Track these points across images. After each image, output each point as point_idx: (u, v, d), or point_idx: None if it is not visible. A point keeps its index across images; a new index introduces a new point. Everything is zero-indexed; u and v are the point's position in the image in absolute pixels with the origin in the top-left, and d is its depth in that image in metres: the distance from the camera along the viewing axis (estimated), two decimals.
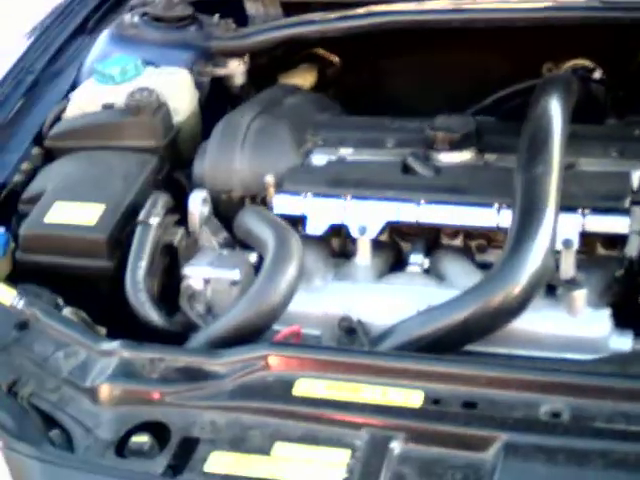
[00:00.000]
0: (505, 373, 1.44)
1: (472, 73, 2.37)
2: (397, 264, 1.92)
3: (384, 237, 1.92)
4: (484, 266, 1.87)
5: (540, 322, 1.68)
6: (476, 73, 2.37)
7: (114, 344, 1.59)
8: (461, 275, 1.83)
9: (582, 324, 1.68)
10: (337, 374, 1.48)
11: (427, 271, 1.87)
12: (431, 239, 1.92)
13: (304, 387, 1.46)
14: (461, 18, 2.16)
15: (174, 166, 2.10)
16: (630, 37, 2.19)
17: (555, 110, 1.86)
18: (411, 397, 1.42)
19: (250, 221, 1.87)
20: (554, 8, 2.09)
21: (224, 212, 2.00)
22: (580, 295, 1.67)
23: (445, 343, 1.62)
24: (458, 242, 1.92)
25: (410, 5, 2.19)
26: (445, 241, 1.92)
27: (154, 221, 1.85)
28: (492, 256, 1.90)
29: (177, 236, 1.88)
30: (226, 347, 1.61)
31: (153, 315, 1.77)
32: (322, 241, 1.92)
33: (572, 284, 1.69)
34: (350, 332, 1.73)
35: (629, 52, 2.26)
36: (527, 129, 1.85)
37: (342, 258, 1.93)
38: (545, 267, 1.63)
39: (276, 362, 1.50)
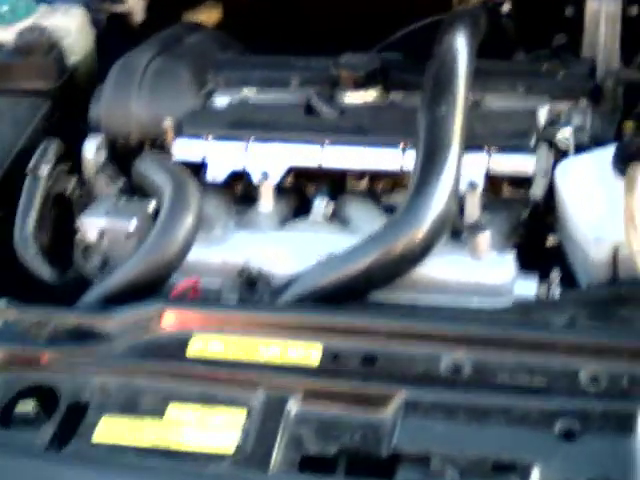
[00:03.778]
0: (406, 324, 1.40)
1: (381, 7, 2.29)
2: (301, 209, 1.86)
3: (288, 181, 1.85)
4: (390, 209, 1.81)
5: (444, 267, 1.63)
6: (386, 7, 2.29)
7: None
8: (366, 220, 1.77)
9: (486, 268, 1.63)
10: (234, 331, 1.42)
11: (332, 216, 1.81)
12: (336, 183, 1.85)
13: (199, 346, 1.40)
14: None
15: (70, 110, 2.00)
16: None
17: (460, 46, 1.79)
18: (309, 353, 1.37)
19: (147, 168, 1.79)
20: None
21: (122, 158, 1.91)
22: (484, 238, 1.62)
23: (348, 292, 1.57)
24: (363, 185, 1.85)
25: None
26: (350, 185, 1.86)
27: (44, 170, 1.76)
28: (399, 198, 1.84)
29: (69, 185, 1.79)
30: (121, 304, 1.55)
31: (44, 270, 1.69)
32: (224, 188, 1.84)
33: (476, 227, 1.63)
34: (250, 283, 1.67)
35: None
36: (432, 67, 1.78)
37: (246, 205, 1.86)
38: (448, 210, 1.58)
39: (170, 320, 1.44)
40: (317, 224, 1.77)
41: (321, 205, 1.80)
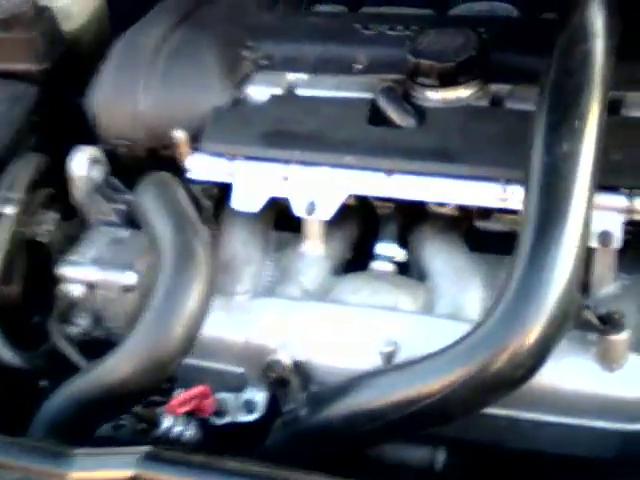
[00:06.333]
0: None
1: None
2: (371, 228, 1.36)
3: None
4: (487, 235, 1.32)
5: (562, 376, 1.13)
6: None
7: None
8: (451, 277, 1.27)
9: (621, 380, 1.13)
10: None
11: (404, 265, 1.31)
12: (411, 208, 1.34)
13: None
14: None
15: (69, 91, 1.53)
16: None
17: (596, 39, 1.20)
18: None
19: (146, 202, 1.30)
20: None
21: (127, 168, 1.44)
22: (620, 342, 1.11)
23: (419, 420, 1.08)
24: (449, 209, 1.34)
25: None
26: (432, 209, 1.34)
27: (10, 210, 1.30)
28: (499, 223, 1.32)
29: (45, 226, 1.32)
30: (103, 414, 1.14)
31: (5, 353, 1.25)
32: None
33: (610, 322, 1.11)
34: (280, 384, 1.19)
35: None
36: (552, 67, 1.20)
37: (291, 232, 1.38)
38: (572, 297, 1.06)
39: None
40: (379, 288, 1.27)
41: (387, 251, 1.30)
